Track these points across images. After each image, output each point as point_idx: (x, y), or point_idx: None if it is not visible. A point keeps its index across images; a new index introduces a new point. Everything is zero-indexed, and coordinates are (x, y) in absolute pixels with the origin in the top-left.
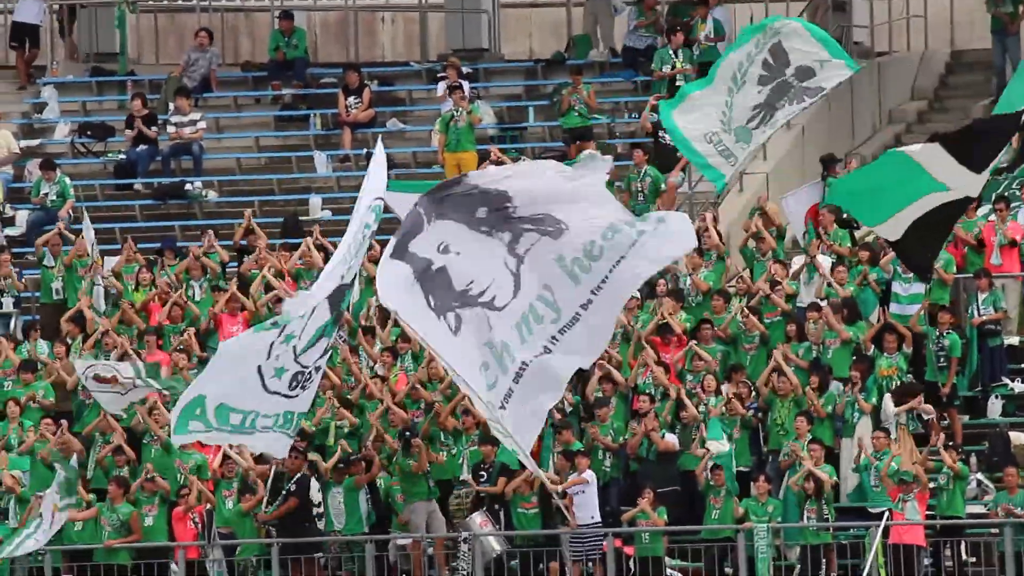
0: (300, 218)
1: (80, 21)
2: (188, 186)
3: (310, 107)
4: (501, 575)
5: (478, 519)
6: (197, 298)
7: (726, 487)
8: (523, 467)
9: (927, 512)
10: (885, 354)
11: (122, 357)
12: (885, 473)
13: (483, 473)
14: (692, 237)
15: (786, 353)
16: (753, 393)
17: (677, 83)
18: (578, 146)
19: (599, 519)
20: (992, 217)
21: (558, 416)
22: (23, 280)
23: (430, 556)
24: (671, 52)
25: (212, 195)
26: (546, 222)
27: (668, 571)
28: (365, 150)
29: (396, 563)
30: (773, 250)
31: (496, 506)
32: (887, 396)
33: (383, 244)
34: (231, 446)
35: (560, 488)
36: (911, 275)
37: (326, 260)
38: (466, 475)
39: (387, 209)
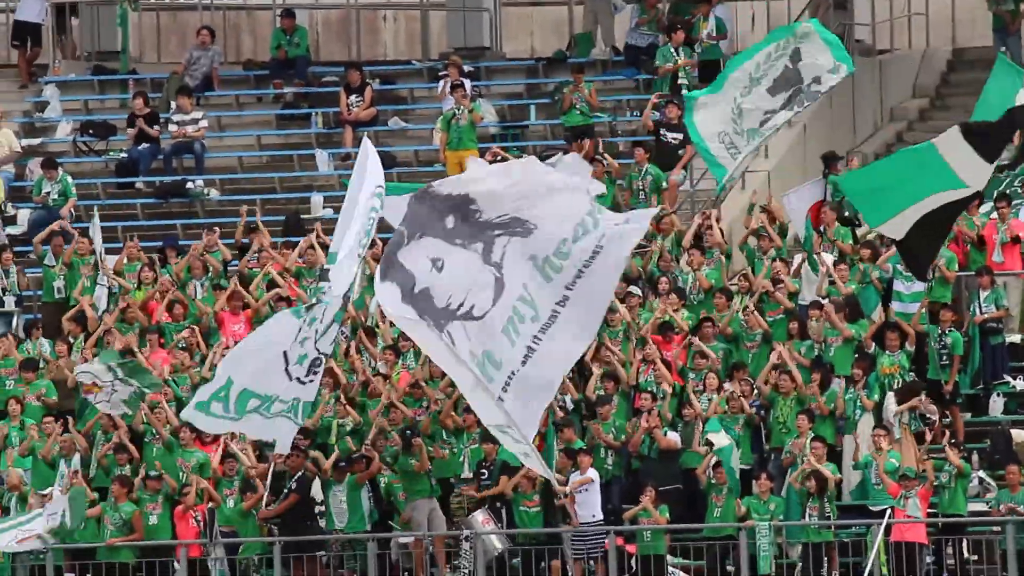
0: (302, 216)
1: (82, 19)
2: (190, 185)
3: (312, 105)
4: (503, 574)
5: (480, 517)
6: (199, 296)
7: (728, 485)
8: (524, 464)
9: (929, 510)
10: (887, 352)
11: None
12: (883, 470)
13: (484, 471)
14: (644, 228)
15: (781, 352)
16: (755, 391)
17: (679, 81)
18: (579, 144)
19: (601, 517)
20: (994, 215)
21: (560, 414)
22: (25, 278)
23: (432, 554)
24: (672, 50)
25: (214, 193)
26: (512, 224)
27: (670, 569)
28: None
29: (398, 561)
30: (777, 248)
31: (498, 504)
32: (890, 394)
33: (385, 241)
34: (234, 437)
35: (568, 488)
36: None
37: None
38: (467, 474)
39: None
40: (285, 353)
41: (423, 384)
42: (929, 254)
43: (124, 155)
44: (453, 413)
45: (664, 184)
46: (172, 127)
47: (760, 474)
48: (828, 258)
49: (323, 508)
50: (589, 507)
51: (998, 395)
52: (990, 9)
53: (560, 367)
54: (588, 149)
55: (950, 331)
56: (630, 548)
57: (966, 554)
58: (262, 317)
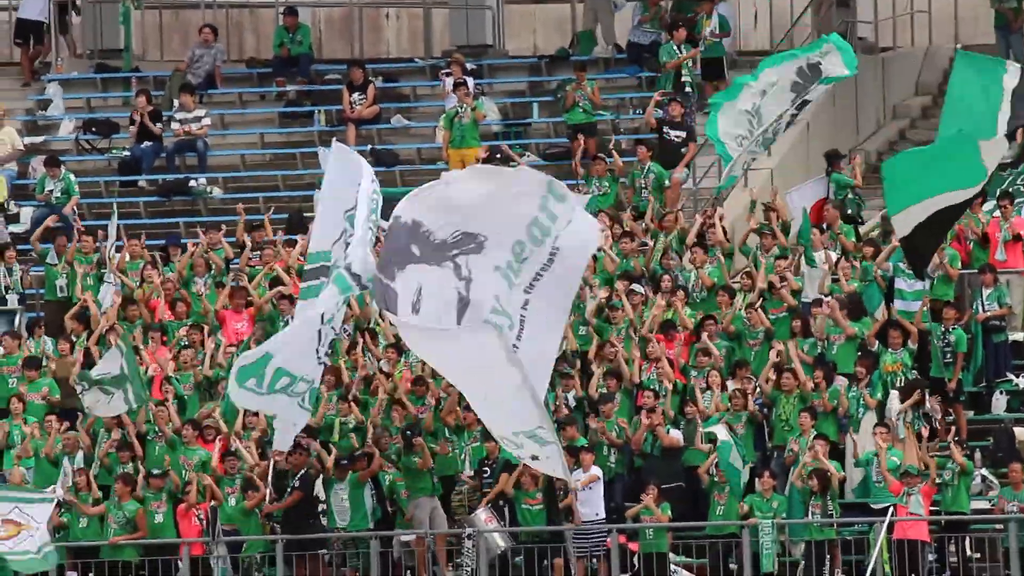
0: (304, 214)
1: (84, 17)
2: (193, 183)
3: (314, 103)
4: (505, 571)
5: (483, 515)
6: (201, 294)
7: (729, 484)
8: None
9: (932, 508)
10: (890, 350)
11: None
12: (885, 468)
13: (487, 469)
14: (594, 231)
15: (785, 350)
16: (757, 389)
17: (683, 79)
18: (582, 142)
19: (604, 515)
20: (996, 213)
21: (563, 411)
22: (28, 277)
23: (434, 552)
24: (675, 47)
25: (217, 192)
26: (464, 241)
27: (672, 567)
28: (369, 147)
29: (400, 559)
30: (781, 246)
31: (500, 502)
32: (893, 392)
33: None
34: (238, 440)
35: (580, 486)
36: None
37: None
38: (468, 473)
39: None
40: (320, 331)
41: (428, 380)
42: (930, 252)
43: (127, 153)
44: (457, 408)
45: (666, 182)
46: (175, 125)
47: (763, 472)
48: (831, 255)
49: (325, 507)
50: (592, 505)
51: (1001, 393)
52: (992, 6)
53: (541, 369)
54: (590, 148)
55: (954, 329)
56: (632, 546)
57: (969, 552)
58: (264, 315)
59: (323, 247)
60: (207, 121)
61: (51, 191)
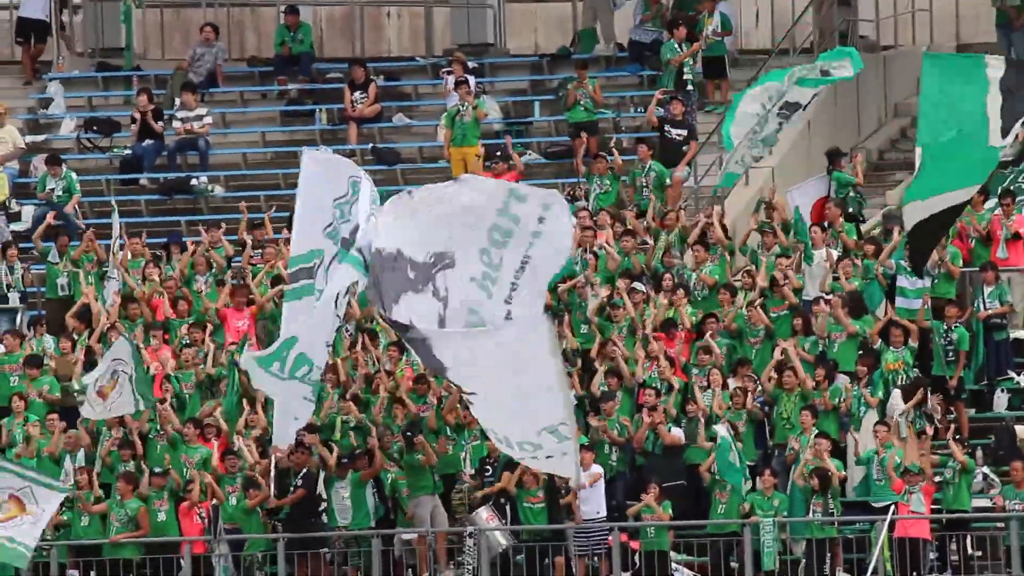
0: None
1: (86, 16)
2: (194, 181)
3: (316, 102)
4: (507, 570)
5: (484, 514)
6: (203, 292)
7: (730, 484)
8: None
9: (933, 506)
10: (891, 348)
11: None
12: (891, 467)
13: (488, 468)
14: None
15: (787, 349)
16: (758, 387)
17: (684, 76)
18: (583, 141)
19: (605, 514)
20: (998, 211)
21: None
22: (29, 275)
23: (435, 551)
24: (676, 46)
25: (218, 190)
26: (439, 259)
27: (673, 565)
28: (371, 145)
29: (402, 558)
30: (782, 245)
31: (502, 500)
32: (896, 391)
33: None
34: (240, 438)
35: (589, 484)
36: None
37: None
38: (469, 471)
39: None
40: (336, 316)
41: (430, 379)
42: (930, 249)
43: (128, 152)
44: (457, 407)
45: (668, 181)
46: (176, 123)
47: (764, 470)
48: (832, 253)
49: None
50: (593, 504)
51: (1002, 391)
52: (994, 5)
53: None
54: (591, 146)
55: (956, 327)
56: (634, 544)
57: (970, 550)
58: (266, 314)
59: (311, 247)
60: (208, 120)
61: (52, 190)
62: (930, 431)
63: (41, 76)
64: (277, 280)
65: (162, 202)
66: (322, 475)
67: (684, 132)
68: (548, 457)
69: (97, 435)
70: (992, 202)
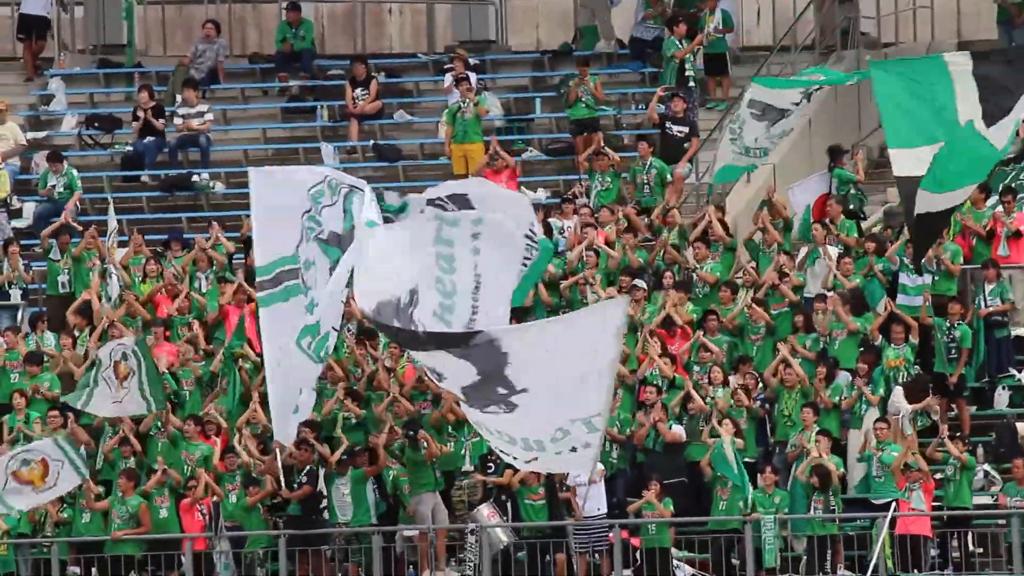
0: None
1: (87, 13)
2: (195, 178)
3: (317, 99)
4: (508, 567)
5: (486, 511)
6: (203, 290)
7: (732, 484)
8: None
9: (934, 503)
10: (892, 345)
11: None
12: (896, 465)
13: (491, 464)
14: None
15: (793, 345)
16: (760, 384)
17: (686, 73)
18: (585, 138)
19: (605, 511)
20: (999, 208)
21: None
22: (31, 272)
23: (437, 548)
24: (677, 43)
25: (219, 187)
26: (413, 297)
27: (675, 562)
28: (372, 142)
29: (403, 554)
30: (779, 243)
31: (503, 497)
32: (898, 389)
33: None
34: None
35: (599, 476)
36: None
37: None
38: (468, 467)
39: None
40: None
41: (425, 377)
42: (929, 244)
43: (129, 148)
44: (455, 405)
45: (669, 177)
46: (177, 120)
47: (765, 467)
48: (832, 251)
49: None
50: (594, 501)
51: (1003, 388)
52: (995, 1)
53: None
54: (596, 144)
55: (959, 324)
56: (635, 541)
57: (971, 547)
58: None
59: (283, 253)
60: (210, 116)
61: (53, 186)
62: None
63: (42, 72)
64: None
65: (163, 199)
66: (322, 472)
67: (685, 129)
68: (572, 450)
69: (99, 432)
70: (993, 199)
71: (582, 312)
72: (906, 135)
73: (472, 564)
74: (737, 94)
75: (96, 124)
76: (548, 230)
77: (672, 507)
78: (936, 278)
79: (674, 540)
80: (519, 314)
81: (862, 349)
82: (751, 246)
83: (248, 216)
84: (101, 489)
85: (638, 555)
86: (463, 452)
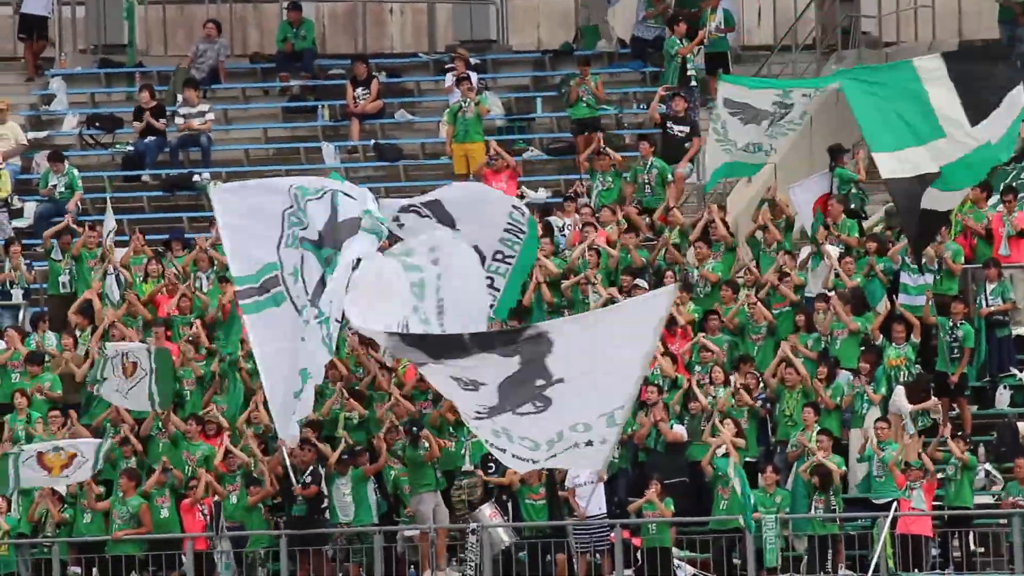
0: None
1: (88, 12)
2: (196, 177)
3: (318, 98)
4: (509, 566)
5: (487, 511)
6: (204, 289)
7: (739, 493)
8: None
9: (935, 503)
10: (893, 344)
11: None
12: (893, 463)
13: (491, 464)
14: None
15: (794, 344)
16: (760, 384)
17: (688, 72)
18: (586, 137)
19: (605, 510)
20: (1000, 207)
21: None
22: (32, 272)
23: (438, 548)
24: (678, 41)
25: (220, 186)
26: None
27: (676, 562)
28: (373, 141)
29: (404, 555)
30: (779, 241)
31: (504, 497)
32: (900, 389)
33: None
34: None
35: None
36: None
37: None
38: (469, 466)
39: None
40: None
41: None
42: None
43: (130, 148)
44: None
45: (670, 176)
46: (178, 120)
47: (766, 467)
48: (834, 251)
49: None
50: (595, 501)
51: (1005, 388)
52: (997, 0)
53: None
54: (596, 144)
55: (962, 324)
56: (636, 541)
57: (972, 547)
58: None
59: (265, 260)
60: (211, 116)
61: (55, 186)
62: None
63: (43, 72)
64: None
65: (164, 199)
66: (323, 472)
67: (687, 128)
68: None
69: (100, 433)
70: (994, 199)
71: (633, 300)
72: (886, 139)
73: (473, 564)
74: None
75: (97, 124)
76: (548, 229)
77: (673, 507)
78: (937, 277)
79: (675, 540)
80: (519, 314)
81: (863, 349)
82: (752, 244)
83: None
84: (102, 489)
85: (639, 555)
86: (463, 452)
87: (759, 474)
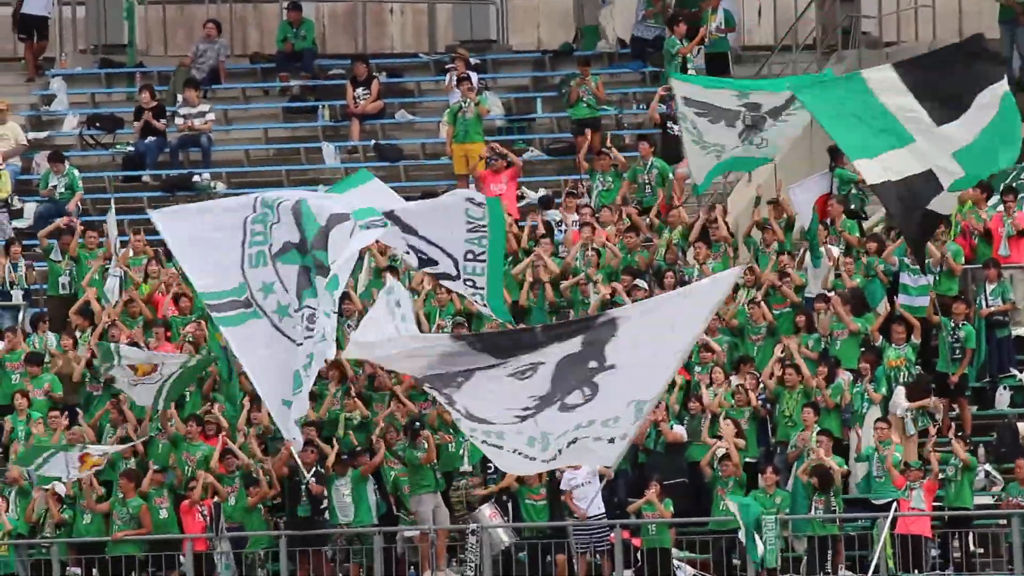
0: None
1: (88, 12)
2: (196, 178)
3: (318, 98)
4: (509, 567)
5: (487, 511)
6: None
7: (733, 478)
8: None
9: (935, 503)
10: (893, 345)
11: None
12: (890, 463)
13: (491, 465)
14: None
15: (789, 345)
16: (760, 385)
17: (688, 72)
18: (587, 137)
19: (603, 511)
20: (1000, 208)
21: None
22: (32, 272)
23: (438, 548)
24: (678, 42)
25: (220, 187)
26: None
27: (675, 563)
28: (373, 142)
29: (404, 555)
30: (780, 241)
31: (504, 498)
32: (900, 389)
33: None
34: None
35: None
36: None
37: None
38: (467, 467)
39: None
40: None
41: None
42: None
43: (131, 148)
44: None
45: (670, 176)
46: (179, 120)
47: (766, 468)
48: (834, 251)
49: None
50: (595, 502)
51: (1005, 388)
52: (997, 0)
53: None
54: (595, 143)
55: (963, 324)
56: (636, 542)
57: (972, 547)
58: None
59: (224, 287)
60: (211, 116)
61: (55, 186)
62: (932, 430)
63: (44, 72)
64: None
65: (164, 199)
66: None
67: None
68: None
69: (100, 433)
70: (994, 199)
71: (700, 284)
72: (861, 146)
73: (473, 564)
74: None
75: (97, 124)
76: (548, 228)
77: (673, 507)
78: (938, 278)
79: (675, 540)
80: (519, 314)
81: (863, 349)
82: (750, 243)
83: None
84: (103, 490)
85: (639, 555)
86: (462, 452)
87: (759, 475)
